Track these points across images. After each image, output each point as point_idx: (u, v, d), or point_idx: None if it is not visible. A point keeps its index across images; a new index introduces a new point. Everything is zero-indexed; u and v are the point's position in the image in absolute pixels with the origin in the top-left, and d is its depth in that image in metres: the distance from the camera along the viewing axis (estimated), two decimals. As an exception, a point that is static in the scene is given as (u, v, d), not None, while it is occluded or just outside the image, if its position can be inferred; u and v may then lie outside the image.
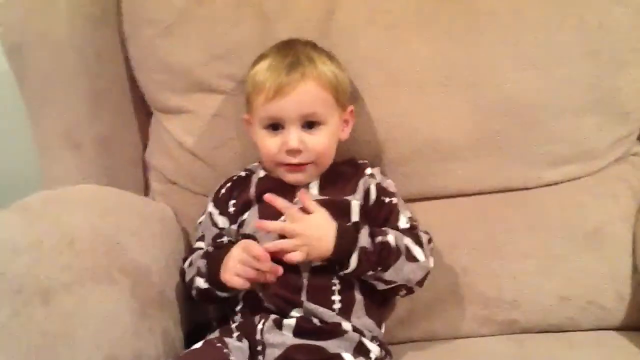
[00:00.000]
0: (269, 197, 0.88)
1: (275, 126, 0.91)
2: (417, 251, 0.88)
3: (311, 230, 0.85)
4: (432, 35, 1.02)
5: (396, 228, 0.91)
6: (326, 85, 0.91)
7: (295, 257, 0.83)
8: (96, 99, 1.04)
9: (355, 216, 0.91)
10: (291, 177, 0.92)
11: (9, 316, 0.68)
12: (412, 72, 1.01)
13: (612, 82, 1.02)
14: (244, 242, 0.86)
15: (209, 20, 1.02)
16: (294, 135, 0.89)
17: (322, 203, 0.89)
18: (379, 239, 0.86)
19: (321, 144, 0.91)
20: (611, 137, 1.05)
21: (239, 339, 0.84)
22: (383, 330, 0.92)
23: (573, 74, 1.01)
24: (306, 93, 0.89)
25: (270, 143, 0.91)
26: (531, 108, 1.02)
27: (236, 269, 0.84)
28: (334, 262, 0.85)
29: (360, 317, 0.87)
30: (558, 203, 1.05)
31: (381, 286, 0.88)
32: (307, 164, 0.91)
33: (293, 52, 0.91)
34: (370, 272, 0.86)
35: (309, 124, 0.90)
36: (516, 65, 1.01)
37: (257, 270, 0.83)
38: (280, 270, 0.83)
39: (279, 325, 0.83)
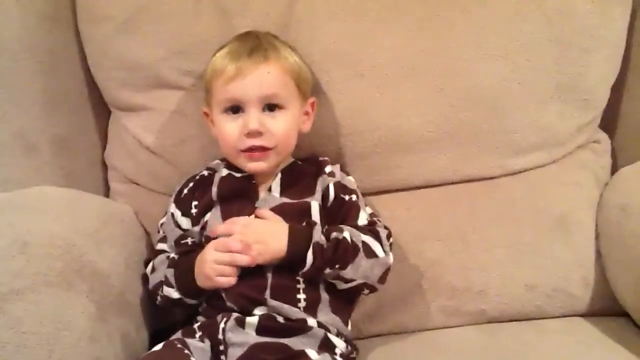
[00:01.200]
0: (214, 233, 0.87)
1: (235, 109, 0.89)
2: (376, 247, 0.87)
3: (262, 233, 0.84)
4: (395, 26, 1.01)
5: (355, 226, 0.89)
6: (288, 70, 0.89)
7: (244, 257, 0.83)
8: (51, 99, 1.01)
9: (315, 217, 0.89)
10: (252, 166, 0.90)
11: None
12: (374, 64, 1.00)
13: (574, 69, 1.02)
14: (212, 243, 0.85)
15: (167, 15, 1.00)
16: (254, 117, 0.87)
17: (282, 207, 0.89)
18: (334, 234, 0.85)
19: (282, 127, 0.89)
20: (574, 123, 1.05)
21: (201, 339, 0.82)
22: (349, 327, 0.91)
23: (537, 61, 1.01)
24: (268, 74, 0.87)
25: (229, 128, 0.89)
26: (496, 96, 1.02)
27: (216, 270, 0.83)
28: (290, 261, 0.84)
29: (327, 314, 0.86)
30: (524, 191, 1.05)
31: (342, 285, 0.87)
32: (267, 149, 0.89)
33: (254, 38, 0.91)
34: (329, 270, 0.84)
35: (270, 107, 0.89)
36: (481, 54, 1.01)
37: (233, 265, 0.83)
38: (254, 261, 0.82)
39: (241, 323, 0.81)
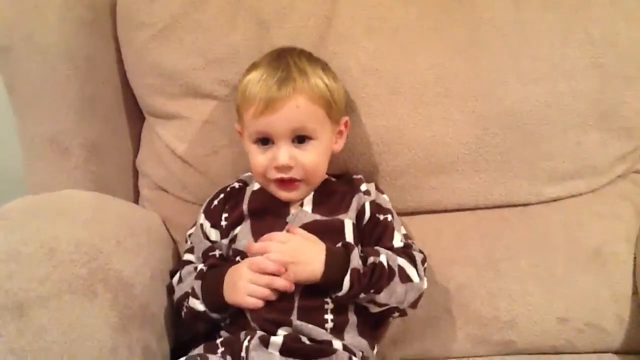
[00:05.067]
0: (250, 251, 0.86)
1: (264, 140, 0.88)
2: (411, 271, 0.85)
3: (298, 253, 0.83)
4: (433, 46, 0.99)
5: (390, 247, 0.88)
6: (318, 99, 0.88)
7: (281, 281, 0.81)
8: (85, 104, 1.01)
9: (349, 236, 0.88)
10: (283, 195, 0.90)
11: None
12: (411, 83, 0.99)
13: (616, 97, 1.00)
14: (248, 261, 0.84)
15: (204, 25, 1.00)
16: (283, 151, 0.86)
17: (315, 224, 0.88)
18: (371, 259, 0.83)
19: (311, 159, 0.88)
20: (614, 153, 1.03)
21: (223, 356, 0.81)
22: (375, 351, 0.89)
23: (577, 87, 0.99)
24: (296, 108, 0.86)
25: (260, 159, 0.89)
26: (533, 122, 1.00)
27: (248, 289, 0.82)
28: (326, 285, 0.82)
29: (354, 337, 0.84)
30: (559, 220, 1.02)
31: (374, 309, 0.85)
32: (297, 181, 0.88)
33: (285, 65, 0.88)
34: (363, 295, 0.83)
35: (300, 139, 0.87)
36: (519, 78, 0.99)
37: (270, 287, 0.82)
38: (292, 286, 0.81)
39: (265, 343, 0.79)
